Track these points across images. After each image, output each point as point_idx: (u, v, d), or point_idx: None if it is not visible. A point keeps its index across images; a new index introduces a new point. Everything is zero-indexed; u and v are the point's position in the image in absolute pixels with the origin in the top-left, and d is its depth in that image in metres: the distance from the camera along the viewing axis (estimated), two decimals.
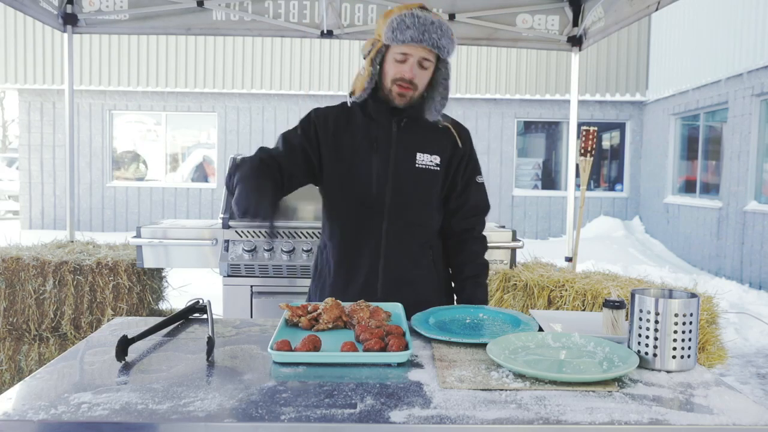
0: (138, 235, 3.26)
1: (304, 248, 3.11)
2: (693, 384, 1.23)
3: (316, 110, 1.95)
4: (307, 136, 1.90)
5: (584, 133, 3.90)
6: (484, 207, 2.03)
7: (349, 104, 1.93)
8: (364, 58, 1.86)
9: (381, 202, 1.87)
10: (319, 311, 1.57)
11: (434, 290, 1.99)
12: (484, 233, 2.05)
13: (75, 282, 3.29)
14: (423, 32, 1.75)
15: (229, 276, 3.12)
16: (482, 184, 2.04)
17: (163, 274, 3.65)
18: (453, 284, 2.04)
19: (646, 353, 1.31)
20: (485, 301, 1.97)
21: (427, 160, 1.89)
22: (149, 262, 3.29)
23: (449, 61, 1.87)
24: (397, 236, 1.88)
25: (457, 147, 1.95)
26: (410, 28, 1.75)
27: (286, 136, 1.92)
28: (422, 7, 1.82)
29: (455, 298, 2.03)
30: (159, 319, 1.57)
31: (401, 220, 1.88)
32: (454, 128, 1.96)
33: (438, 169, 1.91)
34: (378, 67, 1.83)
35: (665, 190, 10.97)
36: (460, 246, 2.00)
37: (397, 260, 1.89)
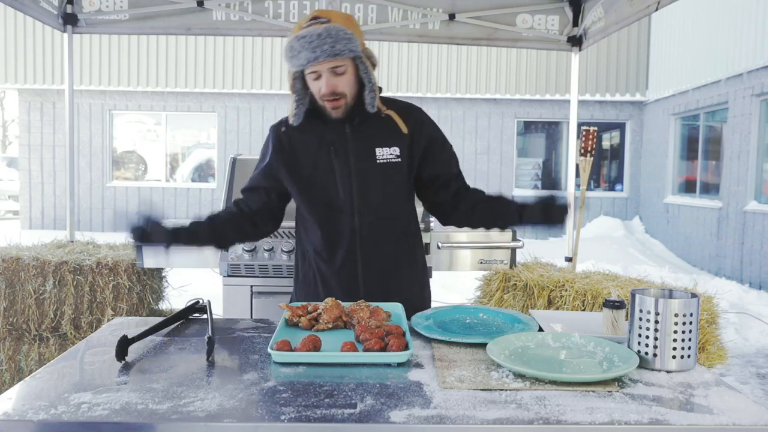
0: None
1: None
2: (693, 384, 1.23)
3: (273, 137, 1.96)
4: (268, 174, 1.95)
5: (584, 133, 3.90)
6: (459, 170, 2.01)
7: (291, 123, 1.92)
8: (290, 90, 1.88)
9: (349, 203, 1.87)
10: (319, 311, 1.57)
11: (417, 284, 2.01)
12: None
13: (75, 282, 3.29)
14: (314, 50, 1.72)
15: (229, 276, 3.12)
16: (454, 153, 2.01)
17: (163, 274, 3.65)
18: (484, 221, 1.96)
19: (646, 353, 1.31)
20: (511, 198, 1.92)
21: (387, 153, 1.88)
22: (149, 262, 3.29)
23: (366, 51, 1.84)
24: (370, 234, 1.88)
25: (408, 130, 1.90)
26: (301, 50, 1.73)
27: (253, 181, 1.98)
28: (314, 18, 1.78)
29: (497, 218, 1.94)
30: (159, 319, 1.58)
31: (371, 217, 1.88)
32: (397, 114, 1.92)
33: (399, 160, 1.88)
34: (303, 90, 1.86)
35: (665, 190, 10.97)
36: (463, 202, 1.96)
37: (374, 257, 1.90)
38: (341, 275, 1.91)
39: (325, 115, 1.87)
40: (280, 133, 1.95)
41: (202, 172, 12.78)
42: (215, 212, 1.94)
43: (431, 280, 2.21)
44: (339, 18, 1.80)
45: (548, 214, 1.82)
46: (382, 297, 1.81)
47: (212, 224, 1.90)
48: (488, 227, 2.00)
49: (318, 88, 1.80)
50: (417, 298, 1.96)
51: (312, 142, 1.89)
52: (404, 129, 1.91)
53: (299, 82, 1.85)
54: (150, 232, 1.74)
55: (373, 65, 1.86)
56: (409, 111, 1.95)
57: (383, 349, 1.34)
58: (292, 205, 2.10)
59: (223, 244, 1.99)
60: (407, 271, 1.97)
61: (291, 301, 2.05)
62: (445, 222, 2.05)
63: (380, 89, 1.91)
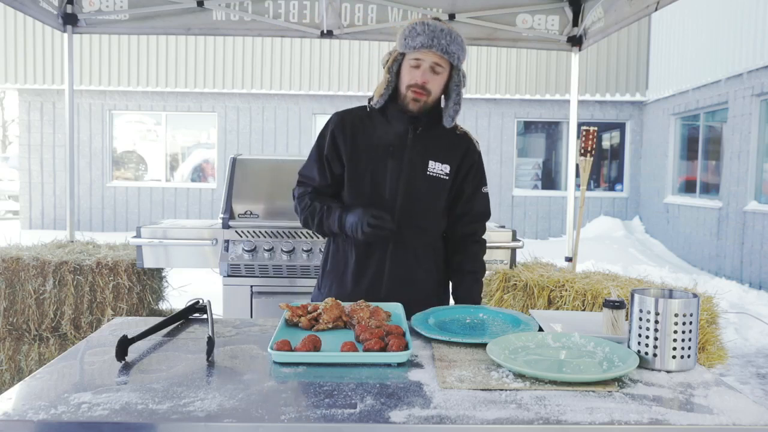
0: (138, 235, 3.25)
1: (304, 248, 3.11)
2: (693, 384, 1.23)
3: (335, 117, 2.04)
4: (329, 153, 2.00)
5: (584, 133, 3.90)
6: (487, 214, 2.13)
7: (368, 109, 2.01)
8: (383, 68, 1.96)
9: (392, 205, 1.95)
10: (319, 311, 1.57)
11: (434, 290, 2.07)
12: (484, 237, 2.14)
13: (75, 282, 3.29)
14: (432, 38, 1.85)
15: (229, 276, 3.12)
16: (487, 194, 2.12)
17: (163, 274, 3.65)
18: (451, 280, 2.12)
19: (646, 353, 1.31)
20: (479, 299, 2.06)
21: (438, 168, 1.98)
22: (149, 262, 3.29)
23: (462, 69, 1.96)
24: (404, 239, 1.96)
25: (467, 156, 2.03)
26: (420, 35, 1.86)
27: (318, 162, 2.03)
28: (436, 19, 1.93)
29: (451, 292, 2.11)
30: (159, 319, 1.57)
31: (409, 224, 1.96)
32: (470, 137, 2.06)
33: (447, 178, 2.00)
34: (395, 75, 1.94)
35: (665, 190, 10.97)
36: (462, 247, 2.09)
37: (403, 261, 1.98)
38: (369, 269, 1.97)
39: (393, 117, 1.95)
40: (346, 119, 2.02)
41: (202, 172, 12.78)
42: (322, 200, 2.00)
43: None
44: (457, 31, 1.94)
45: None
46: (403, 296, 1.85)
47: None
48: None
49: (412, 75, 1.89)
50: (435, 302, 1.98)
51: (374, 137, 1.98)
52: (478, 147, 2.06)
53: (397, 64, 1.93)
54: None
55: (464, 84, 1.97)
56: (477, 144, 2.09)
57: (383, 349, 1.34)
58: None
59: None
60: (429, 277, 2.04)
61: (319, 287, 2.12)
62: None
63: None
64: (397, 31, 1.96)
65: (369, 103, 2.00)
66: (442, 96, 1.99)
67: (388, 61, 1.95)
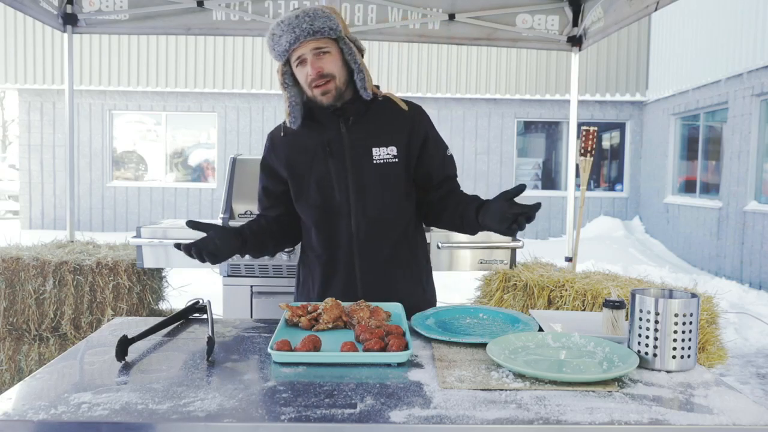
0: (138, 235, 3.25)
1: None
2: (693, 384, 1.23)
3: (266, 144, 1.95)
4: (268, 173, 1.93)
5: (584, 133, 3.90)
6: (455, 175, 1.98)
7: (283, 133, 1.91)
8: (282, 90, 1.85)
9: (346, 205, 1.84)
10: (319, 311, 1.57)
11: (419, 286, 1.97)
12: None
13: (75, 282, 3.29)
14: (293, 30, 1.72)
15: (229, 276, 3.12)
16: (452, 156, 1.98)
17: (163, 274, 3.65)
18: (453, 222, 1.90)
19: (646, 353, 1.31)
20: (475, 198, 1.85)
21: (384, 153, 1.84)
22: (149, 262, 3.29)
23: (348, 35, 1.82)
24: (367, 236, 1.85)
25: (414, 130, 1.87)
26: (282, 35, 1.74)
27: (263, 192, 1.97)
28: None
29: (463, 221, 1.86)
30: (159, 319, 1.57)
31: (368, 219, 1.84)
32: (395, 98, 1.89)
33: (396, 160, 1.85)
34: (294, 87, 1.83)
35: (665, 190, 10.97)
36: (446, 200, 1.93)
37: (372, 260, 1.87)
38: (340, 278, 1.88)
39: (321, 116, 1.85)
40: (277, 137, 1.93)
41: (202, 172, 12.78)
42: (245, 225, 1.88)
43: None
44: (319, 6, 1.79)
45: (503, 214, 1.69)
46: (381, 299, 1.79)
47: (252, 232, 1.86)
48: (454, 228, 1.92)
49: (305, 74, 1.77)
50: (419, 300, 1.92)
51: (308, 144, 1.86)
52: (404, 107, 1.88)
53: (288, 76, 1.82)
54: (218, 247, 1.70)
55: (361, 51, 1.84)
56: (409, 101, 1.93)
57: (383, 349, 1.34)
58: None
59: (260, 252, 1.94)
60: (407, 273, 1.93)
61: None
62: (428, 222, 2.02)
63: (377, 87, 1.89)
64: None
65: (284, 128, 1.89)
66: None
67: (280, 81, 1.83)
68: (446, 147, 1.97)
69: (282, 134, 1.92)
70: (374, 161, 1.83)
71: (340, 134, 1.84)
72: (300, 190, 1.88)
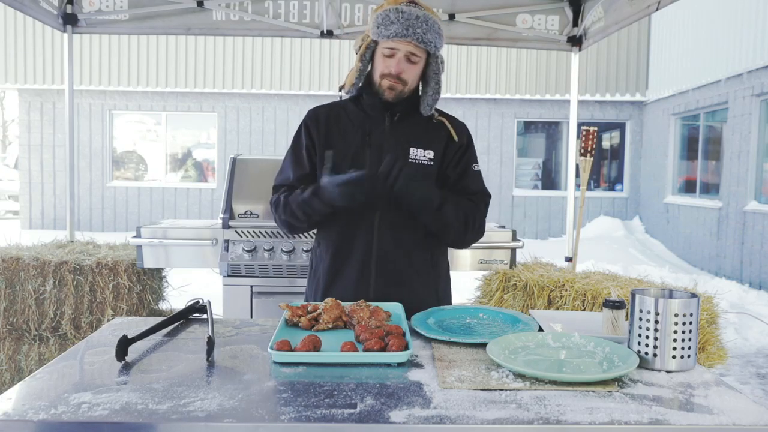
0: (138, 235, 3.26)
1: (304, 248, 3.11)
2: (693, 384, 1.23)
3: (309, 114, 1.96)
4: (306, 149, 1.91)
5: (584, 133, 3.90)
6: (483, 193, 1.97)
7: (341, 99, 1.95)
8: (356, 54, 1.88)
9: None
10: (319, 311, 1.57)
11: (434, 290, 1.95)
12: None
13: (75, 282, 3.29)
14: (407, 27, 1.75)
15: (229, 276, 3.12)
16: (479, 172, 1.99)
17: (163, 274, 3.65)
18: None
19: (646, 353, 1.31)
20: (437, 197, 1.83)
21: (420, 154, 1.88)
22: (149, 262, 3.29)
23: (440, 55, 1.87)
24: (389, 231, 1.85)
25: (452, 141, 1.92)
26: (394, 23, 1.76)
27: (293, 156, 1.94)
28: (411, 2, 1.81)
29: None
30: (159, 319, 1.57)
31: (393, 214, 1.84)
32: (449, 122, 1.94)
33: (431, 164, 1.88)
34: (368, 62, 1.86)
35: (665, 190, 10.97)
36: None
37: (391, 257, 1.86)
38: (354, 271, 1.86)
39: (369, 104, 1.87)
40: (319, 111, 1.94)
41: (202, 172, 12.79)
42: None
43: None
44: (435, 16, 1.83)
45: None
46: (393, 292, 1.78)
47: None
48: (437, 233, 1.90)
49: (386, 65, 1.81)
50: (432, 306, 1.86)
51: (350, 129, 1.89)
52: (455, 137, 1.92)
53: (370, 52, 1.85)
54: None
55: (442, 71, 1.88)
56: (460, 124, 1.97)
57: (383, 349, 1.34)
58: None
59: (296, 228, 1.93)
60: (424, 276, 1.92)
61: (306, 299, 2.03)
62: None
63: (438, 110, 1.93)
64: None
65: (340, 91, 1.92)
66: (420, 83, 1.90)
67: (360, 47, 1.85)
68: (476, 162, 1.99)
69: (322, 111, 1.93)
70: (410, 160, 1.86)
71: (383, 127, 1.88)
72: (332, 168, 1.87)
